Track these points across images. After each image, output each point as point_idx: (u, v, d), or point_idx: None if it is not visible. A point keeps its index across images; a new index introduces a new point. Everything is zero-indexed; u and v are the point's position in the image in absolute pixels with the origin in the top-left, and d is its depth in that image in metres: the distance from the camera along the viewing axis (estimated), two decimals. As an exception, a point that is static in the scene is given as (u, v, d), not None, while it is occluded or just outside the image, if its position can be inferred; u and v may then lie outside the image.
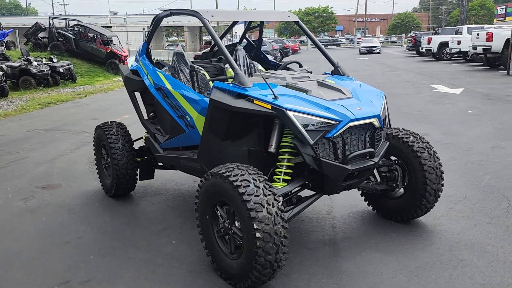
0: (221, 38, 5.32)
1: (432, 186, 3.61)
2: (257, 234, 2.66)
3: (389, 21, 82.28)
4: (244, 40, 5.14)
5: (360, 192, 4.18)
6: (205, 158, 3.54)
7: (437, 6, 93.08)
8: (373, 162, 3.25)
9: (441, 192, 3.71)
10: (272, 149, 3.23)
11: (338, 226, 3.93)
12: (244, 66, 4.73)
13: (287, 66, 4.47)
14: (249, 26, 5.19)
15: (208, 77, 4.38)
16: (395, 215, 3.90)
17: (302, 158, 3.05)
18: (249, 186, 2.76)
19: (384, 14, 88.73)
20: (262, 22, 4.95)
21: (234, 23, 5.07)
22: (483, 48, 17.21)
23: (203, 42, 50.49)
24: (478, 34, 17.70)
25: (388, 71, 19.41)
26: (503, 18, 50.21)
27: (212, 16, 3.73)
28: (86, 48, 21.57)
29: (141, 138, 5.00)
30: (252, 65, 4.76)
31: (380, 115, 3.24)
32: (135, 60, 4.48)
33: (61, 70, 16.98)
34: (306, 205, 3.26)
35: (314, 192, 3.38)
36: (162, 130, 4.21)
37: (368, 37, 57.28)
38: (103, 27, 24.79)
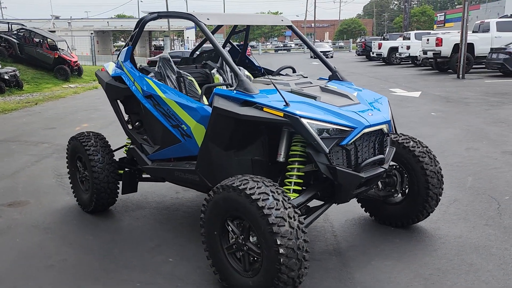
0: (200, 46, 5.13)
1: (434, 191, 3.60)
2: (281, 250, 2.50)
3: (336, 27, 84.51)
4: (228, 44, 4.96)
5: (356, 198, 4.11)
6: (205, 169, 3.33)
7: (380, 13, 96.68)
8: (383, 169, 3.18)
9: (441, 196, 3.71)
10: (281, 158, 3.08)
11: (339, 235, 3.83)
12: (230, 71, 4.54)
13: (280, 72, 4.33)
14: (233, 30, 5.01)
15: (196, 84, 4.17)
16: (395, 221, 3.85)
17: (316, 167, 2.92)
18: (268, 199, 2.60)
19: (331, 20, 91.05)
20: (248, 26, 4.79)
21: (235, 28, 4.86)
22: (433, 53, 17.95)
23: (153, 48, 49.59)
24: (428, 40, 18.45)
25: (345, 75, 19.70)
26: (443, 24, 53.06)
27: (208, 19, 3.53)
28: (31, 54, 20.36)
29: (120, 148, 4.71)
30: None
31: (390, 120, 3.18)
32: (116, 66, 4.18)
33: (6, 77, 15.92)
34: (317, 215, 3.14)
35: (323, 202, 3.26)
36: (150, 140, 3.94)
37: (317, 42, 58.60)
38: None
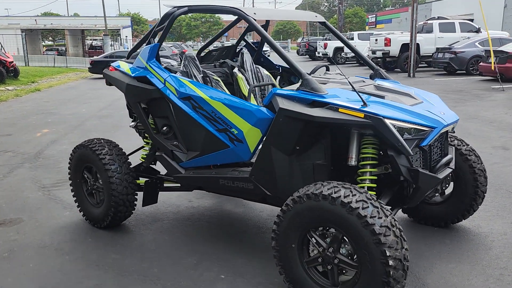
0: (211, 42, 4.83)
1: (482, 189, 3.59)
2: (390, 262, 2.32)
3: (272, 27, 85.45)
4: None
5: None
6: (263, 176, 3.07)
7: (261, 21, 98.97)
8: (451, 169, 3.11)
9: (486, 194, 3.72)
10: (353, 161, 2.89)
11: (385, 238, 3.71)
12: (251, 71, 4.29)
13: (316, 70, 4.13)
14: (249, 28, 4.74)
15: (222, 84, 3.88)
16: (437, 221, 3.81)
17: (397, 170, 2.76)
18: (368, 207, 2.41)
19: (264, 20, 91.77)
20: (268, 23, 4.56)
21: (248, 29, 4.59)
22: (382, 53, 18.59)
23: (87, 47, 47.25)
24: (376, 40, 19.08)
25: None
26: (374, 26, 55.42)
27: (254, 13, 3.27)
28: (-39, 53, 18.57)
29: (131, 154, 4.29)
30: (258, 69, 4.34)
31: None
32: (136, 65, 3.77)
33: None
34: None
35: (390, 206, 3.12)
36: (182, 146, 3.58)
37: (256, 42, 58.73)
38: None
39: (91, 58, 24.68)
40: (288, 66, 3.11)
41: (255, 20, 3.21)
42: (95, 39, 56.20)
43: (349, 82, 2.89)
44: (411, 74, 16.48)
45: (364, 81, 3.37)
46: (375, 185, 2.90)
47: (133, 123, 4.33)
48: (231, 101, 3.18)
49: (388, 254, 2.31)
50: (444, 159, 3.02)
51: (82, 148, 4.02)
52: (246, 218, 4.22)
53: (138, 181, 4.00)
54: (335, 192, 2.49)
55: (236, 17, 4.53)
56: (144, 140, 4.06)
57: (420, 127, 2.75)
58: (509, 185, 4.79)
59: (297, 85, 3.12)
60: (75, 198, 4.26)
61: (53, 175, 5.83)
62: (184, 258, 3.46)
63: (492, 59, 12.16)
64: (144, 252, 3.60)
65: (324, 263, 2.61)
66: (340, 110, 2.74)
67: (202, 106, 3.31)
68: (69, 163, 4.23)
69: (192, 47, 55.08)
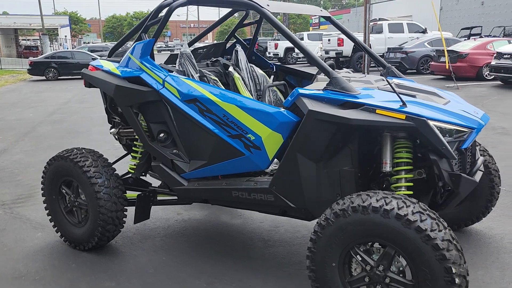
0: (196, 40, 4.45)
1: (497, 190, 3.48)
2: (456, 280, 2.09)
3: (218, 28, 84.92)
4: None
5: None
6: (287, 187, 2.75)
7: (254, 15, 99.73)
8: (482, 172, 2.94)
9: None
10: (388, 167, 2.64)
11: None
12: (246, 70, 3.95)
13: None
14: (241, 23, 4.40)
15: (220, 84, 3.53)
16: (450, 224, 3.65)
17: (438, 175, 2.55)
18: (426, 219, 2.16)
19: (212, 20, 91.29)
20: (261, 19, 4.24)
21: (243, 20, 4.23)
22: (336, 53, 18.79)
23: (22, 47, 44.47)
24: (329, 40, 19.28)
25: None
26: (318, 27, 56.53)
27: (268, 5, 2.94)
28: None
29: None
30: (252, 68, 4.02)
31: None
32: (124, 64, 3.32)
33: None
34: None
35: None
36: (184, 155, 3.18)
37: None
38: None
39: (30, 58, 23.07)
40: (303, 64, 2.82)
41: (270, 12, 2.88)
42: (28, 39, 53.04)
43: (387, 81, 2.64)
44: (365, 74, 16.71)
45: (383, 80, 3.14)
46: (411, 192, 2.67)
47: (113, 129, 3.86)
48: (247, 103, 2.83)
49: (453, 271, 2.08)
50: (479, 162, 2.85)
51: (60, 160, 3.50)
52: (248, 231, 3.88)
53: (126, 195, 3.54)
54: (386, 204, 2.22)
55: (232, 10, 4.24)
56: (133, 148, 3.61)
57: (461, 128, 2.55)
58: (508, 184, 4.77)
59: (319, 84, 2.84)
60: (50, 217, 3.73)
61: (11, 189, 5.17)
62: (191, 281, 3.07)
63: (446, 58, 12.53)
64: (143, 277, 3.16)
65: (372, 283, 2.34)
66: (377, 111, 2.48)
67: (211, 109, 2.94)
68: (42, 177, 3.68)
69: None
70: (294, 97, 2.69)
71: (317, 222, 2.44)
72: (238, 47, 4.04)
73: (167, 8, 3.18)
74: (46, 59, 20.64)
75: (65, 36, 39.54)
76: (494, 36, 17.96)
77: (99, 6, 62.56)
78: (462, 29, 21.73)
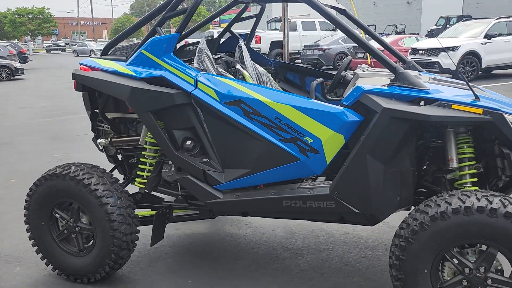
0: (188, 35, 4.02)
1: None
2: None
3: (110, 26, 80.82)
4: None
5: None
6: (352, 191, 2.53)
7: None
8: None
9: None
10: (454, 163, 2.56)
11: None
12: (251, 67, 3.65)
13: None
14: (239, 16, 4.05)
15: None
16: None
17: (503, 169, 2.53)
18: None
19: (104, 18, 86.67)
20: (261, 13, 3.95)
21: (241, 13, 3.87)
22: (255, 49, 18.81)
23: None
24: (246, 37, 19.24)
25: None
26: (218, 25, 56.58)
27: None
28: None
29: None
30: (254, 66, 3.72)
31: None
32: (139, 64, 2.83)
33: None
34: None
35: None
36: (217, 163, 2.80)
37: (89, 41, 55.18)
38: None
39: None
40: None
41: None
42: None
43: (459, 73, 2.55)
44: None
45: (420, 75, 3.06)
46: (477, 188, 2.62)
47: (102, 139, 3.32)
48: (304, 103, 2.56)
49: None
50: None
51: (54, 179, 2.90)
52: (265, 241, 3.59)
53: (138, 214, 3.07)
54: (490, 202, 2.13)
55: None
56: (141, 160, 3.12)
57: (523, 120, 2.56)
58: None
59: (380, 81, 2.67)
60: (36, 247, 3.10)
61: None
62: (239, 305, 2.73)
63: (368, 55, 13.15)
64: (178, 306, 2.75)
65: (471, 286, 2.23)
66: (453, 106, 2.39)
67: (260, 111, 2.61)
68: (26, 202, 3.04)
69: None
70: (358, 94, 2.49)
71: (403, 228, 2.28)
72: (242, 43, 3.72)
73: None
74: None
75: None
76: (388, 34, 19.29)
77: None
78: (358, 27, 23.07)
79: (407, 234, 2.26)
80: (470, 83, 2.63)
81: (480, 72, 12.76)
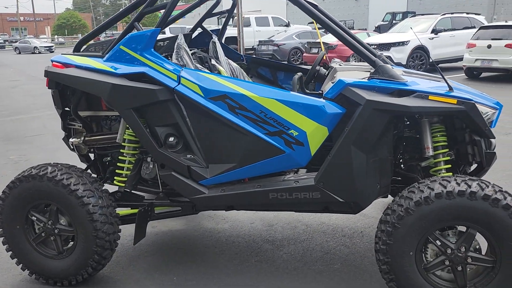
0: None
1: None
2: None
3: (52, 21, 77.36)
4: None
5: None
6: (337, 181, 2.61)
7: (95, 7, 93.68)
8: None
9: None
10: (430, 151, 2.71)
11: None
12: (224, 62, 3.65)
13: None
14: (210, 12, 4.02)
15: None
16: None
17: (479, 155, 2.71)
18: (507, 197, 2.27)
19: (46, 13, 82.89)
20: (232, 8, 3.95)
21: (212, 9, 3.84)
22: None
23: None
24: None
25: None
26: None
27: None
28: None
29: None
30: (227, 61, 3.73)
31: None
32: (116, 60, 2.77)
33: None
34: None
35: None
36: (201, 159, 2.80)
37: (31, 37, 52.80)
38: None
39: None
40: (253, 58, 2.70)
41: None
42: None
43: (436, 67, 2.69)
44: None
45: (393, 68, 3.19)
46: (451, 174, 2.79)
47: (74, 138, 3.23)
48: (289, 97, 2.61)
49: (537, 243, 2.23)
50: (494, 140, 3.10)
51: (29, 180, 2.79)
52: (244, 234, 3.62)
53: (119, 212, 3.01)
54: (469, 186, 2.28)
55: None
56: (120, 157, 3.06)
57: (490, 109, 2.74)
58: None
59: (358, 74, 2.77)
60: (10, 252, 2.97)
61: None
62: (229, 299, 2.75)
63: (323, 49, 13.42)
64: (167, 304, 2.73)
65: (453, 265, 2.38)
66: (430, 97, 2.52)
67: (246, 106, 2.63)
68: (0, 205, 2.90)
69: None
70: (340, 87, 2.57)
71: (389, 214, 2.40)
72: (215, 38, 3.71)
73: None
74: None
75: None
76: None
77: None
78: (309, 23, 23.45)
79: (393, 220, 2.37)
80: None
81: (428, 66, 13.38)
